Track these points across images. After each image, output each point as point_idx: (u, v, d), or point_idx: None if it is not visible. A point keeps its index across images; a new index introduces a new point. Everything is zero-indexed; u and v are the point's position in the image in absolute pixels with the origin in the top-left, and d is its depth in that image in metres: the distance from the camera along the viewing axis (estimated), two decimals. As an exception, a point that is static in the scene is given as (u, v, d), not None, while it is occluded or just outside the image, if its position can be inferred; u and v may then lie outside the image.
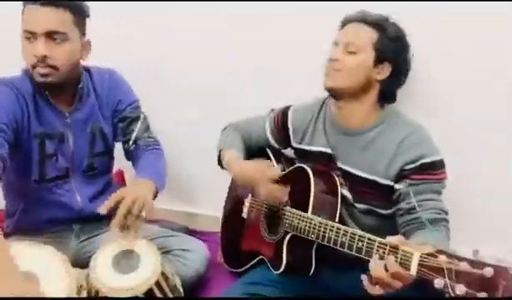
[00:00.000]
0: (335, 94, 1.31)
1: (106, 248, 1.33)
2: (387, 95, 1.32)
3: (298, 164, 1.41)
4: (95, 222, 1.53)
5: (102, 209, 1.26)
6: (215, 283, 1.58)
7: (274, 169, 1.37)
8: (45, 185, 1.45)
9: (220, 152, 1.50)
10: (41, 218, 1.48)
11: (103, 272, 1.27)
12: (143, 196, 1.30)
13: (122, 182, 1.74)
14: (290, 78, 1.60)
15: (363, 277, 1.02)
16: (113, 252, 1.32)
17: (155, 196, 1.39)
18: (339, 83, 1.28)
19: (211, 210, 1.87)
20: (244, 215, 1.54)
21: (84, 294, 1.24)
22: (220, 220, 1.65)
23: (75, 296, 1.17)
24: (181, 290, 1.37)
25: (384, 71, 1.29)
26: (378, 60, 1.27)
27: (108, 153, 1.55)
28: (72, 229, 1.53)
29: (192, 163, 1.90)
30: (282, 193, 1.35)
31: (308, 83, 1.38)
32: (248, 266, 1.49)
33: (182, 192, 1.93)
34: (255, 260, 1.47)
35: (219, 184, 1.53)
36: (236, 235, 1.54)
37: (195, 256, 1.50)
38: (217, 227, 1.67)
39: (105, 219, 1.42)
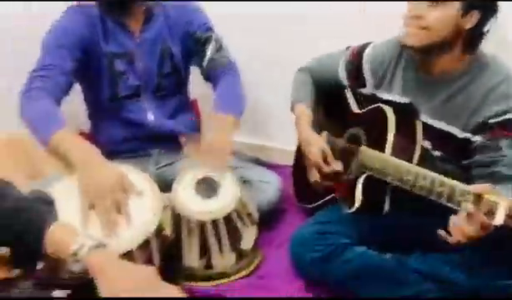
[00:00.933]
0: (417, 51, 1.23)
1: (188, 173, 1.34)
2: (474, 42, 1.21)
3: (377, 104, 1.36)
4: (173, 147, 1.53)
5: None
6: (289, 217, 1.58)
7: (335, 165, 1.34)
8: (118, 103, 1.47)
9: (292, 101, 1.49)
10: (116, 138, 1.50)
11: (185, 195, 1.29)
12: (225, 142, 1.31)
13: (196, 112, 1.74)
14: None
15: (440, 231, 1.01)
16: (195, 178, 1.33)
17: (235, 128, 1.40)
18: (423, 41, 1.18)
19: (284, 144, 1.85)
20: None
21: (168, 214, 1.26)
22: (293, 154, 1.63)
23: (160, 215, 1.17)
24: (257, 219, 1.38)
25: (472, 19, 1.18)
26: (466, 9, 1.16)
27: (177, 74, 1.53)
28: (151, 154, 1.53)
29: (265, 96, 1.88)
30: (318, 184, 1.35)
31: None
32: (320, 203, 1.47)
33: (254, 124, 1.92)
34: (327, 197, 1.44)
35: (292, 118, 1.52)
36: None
37: (270, 187, 1.49)
38: (289, 161, 1.66)
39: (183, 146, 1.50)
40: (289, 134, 1.59)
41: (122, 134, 1.51)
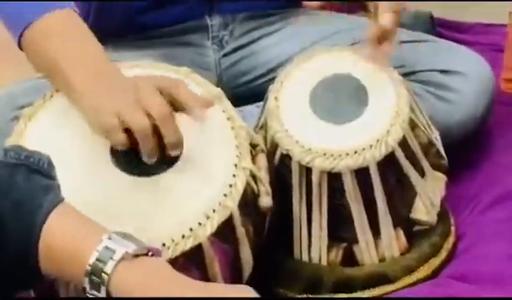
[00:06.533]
0: None
1: (296, 69, 1.22)
2: None
3: None
4: (254, 8, 1.43)
5: None
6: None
7: None
8: None
9: None
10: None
11: (296, 119, 1.17)
12: None
13: None
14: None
15: None
16: (313, 79, 1.21)
17: None
18: None
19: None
20: None
21: (263, 161, 1.09)
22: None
23: (247, 168, 1.04)
24: (441, 150, 1.22)
25: None
26: None
27: None
28: (207, 27, 1.42)
29: None
30: None
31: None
32: None
33: None
34: None
35: None
36: None
37: (467, 83, 1.33)
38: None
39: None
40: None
41: None
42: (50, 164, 0.89)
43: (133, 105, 0.98)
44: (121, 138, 0.98)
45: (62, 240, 0.83)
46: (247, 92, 1.36)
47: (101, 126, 1.00)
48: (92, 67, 1.05)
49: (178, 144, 0.98)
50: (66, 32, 1.09)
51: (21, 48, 1.10)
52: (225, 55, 1.43)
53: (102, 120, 1.00)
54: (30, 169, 0.88)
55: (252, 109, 1.29)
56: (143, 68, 1.13)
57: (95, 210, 0.92)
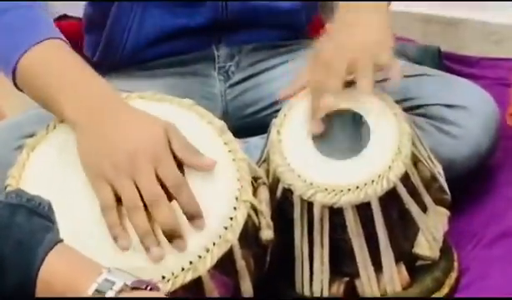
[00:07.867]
0: None
1: (300, 102, 1.20)
2: None
3: None
4: (262, 39, 1.42)
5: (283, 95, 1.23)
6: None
7: None
8: None
9: None
10: (151, 31, 1.38)
11: (298, 153, 1.15)
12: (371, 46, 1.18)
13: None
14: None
15: None
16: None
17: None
18: None
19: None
20: None
21: (264, 195, 1.09)
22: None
23: (248, 201, 1.03)
24: (444, 185, 1.20)
25: None
26: None
27: None
28: (213, 57, 1.41)
29: None
30: None
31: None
32: None
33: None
34: None
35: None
36: None
37: (472, 118, 1.31)
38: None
39: (278, 29, 1.42)
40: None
41: (164, 24, 1.38)
42: (50, 208, 0.90)
43: (125, 176, 0.96)
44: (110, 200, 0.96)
45: (61, 276, 0.83)
46: (253, 123, 1.36)
47: (94, 185, 0.98)
48: (88, 102, 1.03)
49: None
50: (61, 63, 1.08)
51: (14, 80, 1.07)
52: (231, 86, 1.44)
53: (96, 183, 0.98)
54: (30, 211, 0.89)
55: (257, 141, 1.28)
56: (147, 100, 1.11)
57: (96, 241, 0.93)
